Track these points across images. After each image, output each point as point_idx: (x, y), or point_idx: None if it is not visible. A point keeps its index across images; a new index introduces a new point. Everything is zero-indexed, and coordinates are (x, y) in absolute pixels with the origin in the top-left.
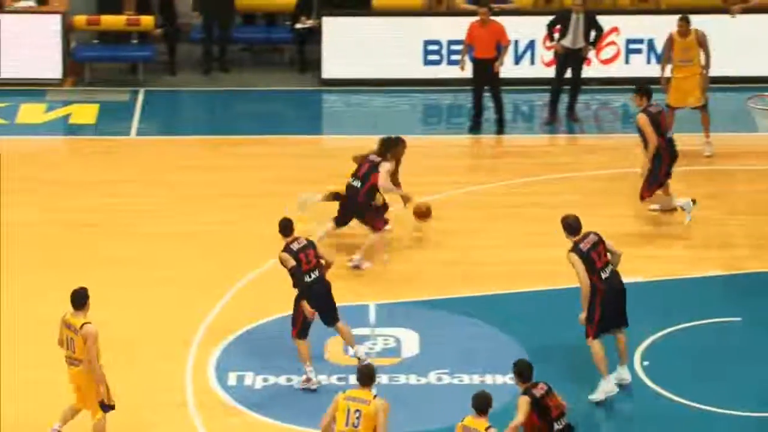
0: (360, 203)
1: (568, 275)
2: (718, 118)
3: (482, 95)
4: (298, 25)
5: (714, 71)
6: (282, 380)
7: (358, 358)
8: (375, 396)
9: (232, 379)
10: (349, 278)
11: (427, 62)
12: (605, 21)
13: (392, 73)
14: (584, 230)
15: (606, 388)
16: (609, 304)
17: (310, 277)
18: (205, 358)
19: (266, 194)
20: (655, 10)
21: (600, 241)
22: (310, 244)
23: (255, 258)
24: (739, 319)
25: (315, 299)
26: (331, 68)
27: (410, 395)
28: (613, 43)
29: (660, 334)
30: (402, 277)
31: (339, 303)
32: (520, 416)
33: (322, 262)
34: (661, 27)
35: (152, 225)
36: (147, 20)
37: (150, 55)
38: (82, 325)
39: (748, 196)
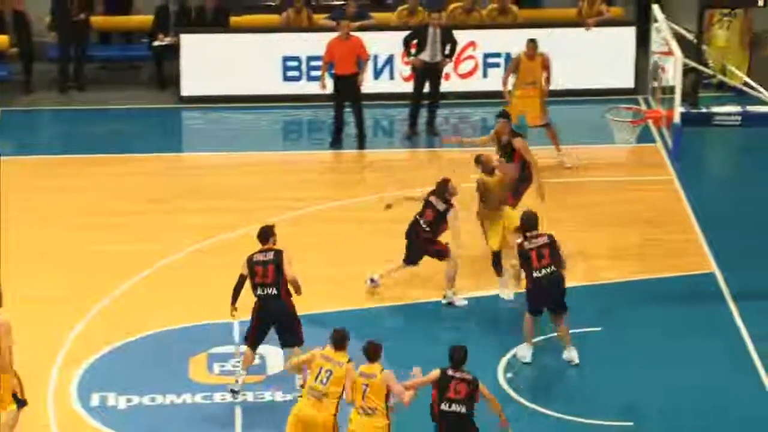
0: (423, 240)
1: (426, 289)
2: (576, 131)
3: (343, 111)
4: (156, 43)
5: (571, 84)
6: (146, 400)
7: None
8: (350, 360)
9: (95, 399)
10: (208, 296)
11: (286, 78)
12: (463, 35)
13: (252, 89)
14: None
15: (521, 352)
16: (537, 296)
17: (262, 291)
18: (68, 379)
19: (125, 213)
20: (512, 24)
21: (548, 245)
22: (274, 260)
23: (117, 277)
24: (599, 329)
25: (264, 315)
26: (189, 85)
27: (276, 412)
28: (471, 57)
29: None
30: None
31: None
32: (417, 380)
33: (288, 281)
34: (518, 41)
35: (13, 244)
36: (1, 39)
37: (5, 74)
38: None
39: (606, 207)
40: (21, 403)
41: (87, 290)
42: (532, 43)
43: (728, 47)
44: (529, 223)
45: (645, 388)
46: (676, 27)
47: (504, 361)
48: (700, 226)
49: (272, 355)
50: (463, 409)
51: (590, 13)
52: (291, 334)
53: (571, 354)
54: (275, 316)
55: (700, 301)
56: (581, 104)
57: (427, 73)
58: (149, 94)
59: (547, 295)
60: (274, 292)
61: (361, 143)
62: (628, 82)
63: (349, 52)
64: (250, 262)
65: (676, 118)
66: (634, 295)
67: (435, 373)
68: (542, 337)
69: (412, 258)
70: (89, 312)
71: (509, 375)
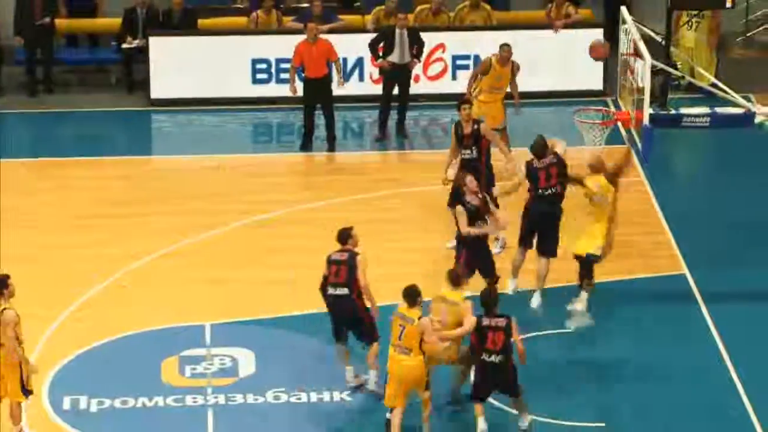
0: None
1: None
2: (545, 132)
3: (314, 114)
4: (125, 45)
5: (539, 86)
6: (117, 403)
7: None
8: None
9: (66, 403)
10: (178, 299)
11: (255, 81)
12: (431, 37)
13: (221, 92)
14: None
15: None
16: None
17: (333, 290)
18: (39, 383)
19: (95, 216)
20: (481, 27)
21: (554, 164)
22: (348, 261)
23: (88, 280)
24: (569, 330)
25: (334, 314)
26: (159, 88)
27: (248, 415)
28: (440, 59)
29: None
30: (237, 297)
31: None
32: (467, 324)
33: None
34: (485, 42)
35: None
36: None
37: None
38: (2, 310)
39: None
40: (27, 393)
41: (57, 294)
42: (507, 47)
43: (696, 48)
44: (534, 149)
45: (617, 389)
46: (644, 28)
47: None
48: (670, 227)
49: (243, 358)
50: (502, 358)
51: (558, 15)
52: (362, 333)
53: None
54: (343, 316)
55: (671, 302)
56: (550, 106)
57: (396, 75)
58: (118, 97)
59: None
60: (345, 292)
61: (331, 146)
62: (597, 84)
63: (318, 55)
64: (328, 261)
65: (645, 120)
66: (606, 296)
67: (471, 322)
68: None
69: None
70: (59, 316)
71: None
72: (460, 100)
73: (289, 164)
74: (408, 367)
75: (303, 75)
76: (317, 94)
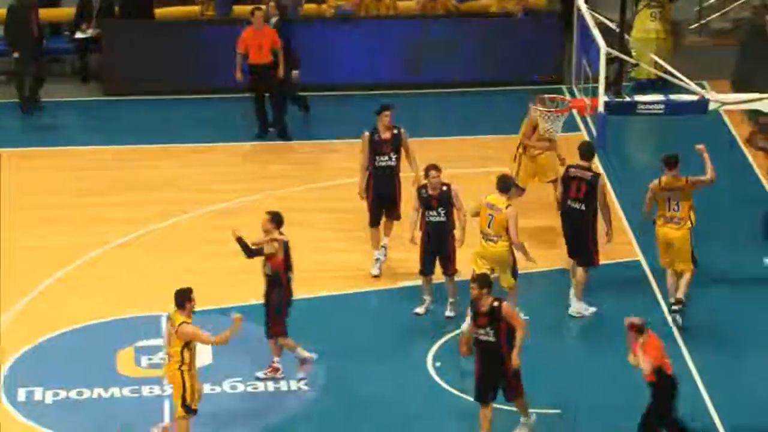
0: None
1: (357, 280)
2: (501, 121)
3: (263, 100)
4: (79, 35)
5: (496, 74)
6: (73, 394)
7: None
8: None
9: (21, 395)
10: (134, 289)
11: (210, 69)
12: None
13: (176, 81)
14: None
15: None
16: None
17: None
18: None
19: (50, 207)
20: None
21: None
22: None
23: (43, 271)
24: (527, 317)
25: None
26: (114, 78)
27: (204, 405)
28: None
29: (452, 334)
30: (193, 286)
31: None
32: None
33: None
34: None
35: None
36: None
37: None
38: (180, 323)
39: (532, 195)
40: (189, 410)
41: (12, 284)
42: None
43: (658, 38)
44: (584, 152)
45: (573, 376)
46: (599, 16)
47: (434, 350)
48: (625, 214)
49: (200, 347)
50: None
51: (514, 3)
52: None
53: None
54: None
55: (627, 288)
56: (506, 95)
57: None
58: (73, 87)
59: None
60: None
61: (281, 134)
62: (553, 72)
63: (264, 42)
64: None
65: (600, 107)
66: (563, 284)
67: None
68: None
69: None
70: (14, 306)
71: (438, 364)
72: (382, 106)
73: (244, 153)
74: (495, 252)
75: (247, 62)
76: (263, 82)
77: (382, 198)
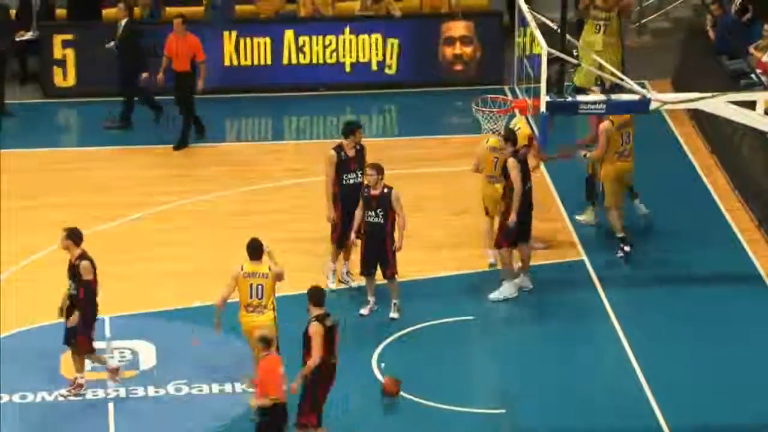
0: None
1: (301, 281)
2: (442, 121)
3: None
4: (17, 38)
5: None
6: (16, 398)
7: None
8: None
9: None
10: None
11: (149, 72)
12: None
13: (115, 84)
14: None
15: (508, 290)
16: (525, 215)
17: None
18: None
19: None
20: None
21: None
22: None
23: None
24: (472, 317)
25: None
26: (54, 80)
27: (149, 407)
28: None
29: (396, 335)
30: (136, 289)
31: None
32: (317, 350)
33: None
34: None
35: None
36: None
37: None
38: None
39: (474, 195)
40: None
41: None
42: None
43: (605, 50)
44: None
45: (517, 375)
46: (540, 16)
47: (379, 349)
48: (568, 214)
49: (144, 350)
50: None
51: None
52: None
53: (526, 281)
54: None
55: (571, 288)
56: (448, 95)
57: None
58: (13, 89)
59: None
60: None
61: (178, 144)
62: (495, 73)
63: (185, 50)
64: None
65: (542, 107)
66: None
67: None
68: (410, 329)
69: None
70: None
71: (383, 364)
72: (354, 123)
73: (179, 156)
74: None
75: (172, 67)
76: (176, 89)
77: (352, 216)
